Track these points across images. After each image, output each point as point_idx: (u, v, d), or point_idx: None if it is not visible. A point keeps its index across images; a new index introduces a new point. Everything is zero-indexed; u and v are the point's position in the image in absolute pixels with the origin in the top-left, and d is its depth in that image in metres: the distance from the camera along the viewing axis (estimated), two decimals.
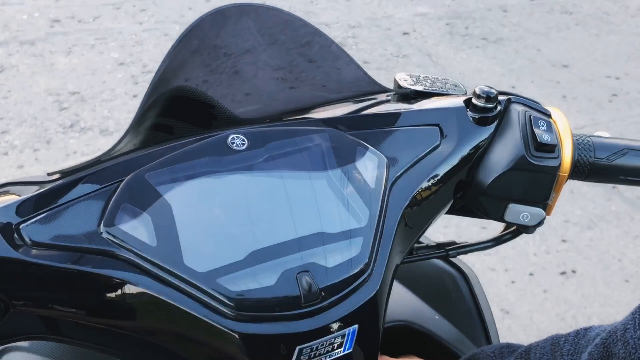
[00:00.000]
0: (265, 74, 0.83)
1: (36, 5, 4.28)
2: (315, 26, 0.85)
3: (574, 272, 2.75)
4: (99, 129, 3.18)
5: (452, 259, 1.06)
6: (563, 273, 2.74)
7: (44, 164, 3.06)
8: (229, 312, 0.64)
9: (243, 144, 0.72)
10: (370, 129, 0.79)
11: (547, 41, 4.42)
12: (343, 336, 0.69)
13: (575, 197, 3.11)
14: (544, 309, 2.58)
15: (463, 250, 0.92)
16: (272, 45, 0.83)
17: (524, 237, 2.79)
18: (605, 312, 2.58)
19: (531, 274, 2.73)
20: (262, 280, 0.66)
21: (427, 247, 0.91)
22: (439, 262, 1.05)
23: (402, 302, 0.98)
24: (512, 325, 2.50)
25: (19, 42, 3.92)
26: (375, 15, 4.53)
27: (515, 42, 4.39)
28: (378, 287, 0.71)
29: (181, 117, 0.80)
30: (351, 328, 0.69)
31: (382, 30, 4.35)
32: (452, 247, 0.90)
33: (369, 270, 0.70)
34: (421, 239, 0.94)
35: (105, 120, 3.25)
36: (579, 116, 3.69)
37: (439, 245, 0.91)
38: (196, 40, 0.77)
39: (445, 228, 2.85)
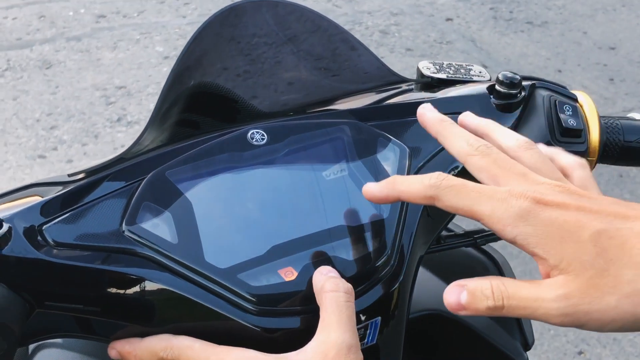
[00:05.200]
0: (286, 67, 0.84)
1: (82, 2, 4.33)
2: (334, 21, 0.85)
3: None
4: (146, 122, 3.19)
5: (483, 246, 1.05)
6: None
7: (92, 158, 3.11)
8: (251, 307, 0.65)
9: (263, 139, 0.72)
10: (392, 119, 0.79)
11: (593, 23, 4.35)
12: (366, 328, 0.70)
13: (624, 181, 3.06)
14: None
15: (492, 238, 0.91)
16: (293, 39, 0.83)
17: None
18: None
19: None
20: (283, 275, 0.67)
21: (456, 235, 0.91)
22: (470, 250, 1.05)
23: (433, 291, 0.98)
24: None
25: (66, 39, 3.98)
26: (417, 1, 4.49)
27: (561, 25, 4.33)
28: (401, 279, 0.71)
29: (205, 113, 0.81)
30: (374, 320, 0.70)
31: (424, 17, 4.32)
32: (480, 235, 0.90)
33: (392, 262, 0.70)
34: (450, 227, 0.94)
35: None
36: (626, 99, 3.62)
37: (468, 234, 0.90)
38: (210, 38, 0.78)
39: None
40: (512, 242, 0.58)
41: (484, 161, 0.63)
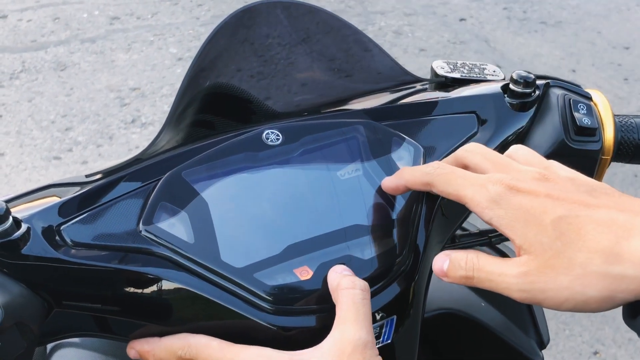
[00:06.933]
0: (299, 68, 0.84)
1: (96, 4, 4.35)
2: (346, 20, 0.85)
3: None
4: (160, 124, 3.21)
5: (497, 245, 1.05)
6: None
7: (107, 159, 3.12)
8: (267, 306, 0.66)
9: (278, 139, 0.73)
10: (406, 118, 0.79)
11: (608, 23, 4.33)
12: (381, 327, 0.70)
13: (639, 181, 3.05)
14: None
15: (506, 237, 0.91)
16: (306, 40, 0.84)
17: None
18: None
19: None
20: (298, 274, 0.67)
21: (470, 234, 0.91)
22: (484, 249, 1.04)
23: (448, 290, 0.98)
24: None
25: (80, 40, 4.00)
26: (431, 2, 4.49)
27: (575, 25, 4.31)
28: (416, 278, 0.71)
29: (221, 113, 0.82)
30: (390, 319, 0.70)
31: (438, 17, 4.32)
32: (495, 234, 0.90)
33: (407, 261, 0.71)
34: (465, 226, 0.94)
35: (166, 115, 3.26)
36: None
37: (482, 233, 0.91)
38: (225, 40, 0.79)
39: None
40: (489, 223, 0.64)
41: (477, 158, 0.69)
